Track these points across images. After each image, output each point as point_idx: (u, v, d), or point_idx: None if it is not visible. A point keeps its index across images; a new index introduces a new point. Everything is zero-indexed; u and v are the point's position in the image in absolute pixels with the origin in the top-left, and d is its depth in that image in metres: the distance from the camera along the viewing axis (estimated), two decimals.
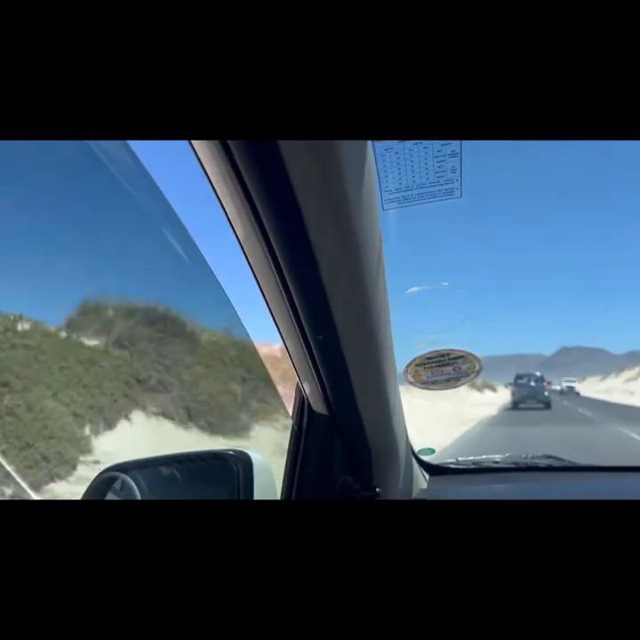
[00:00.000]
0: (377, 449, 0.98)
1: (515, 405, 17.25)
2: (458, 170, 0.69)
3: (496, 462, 1.38)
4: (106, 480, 1.04)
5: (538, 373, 18.99)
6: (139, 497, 1.02)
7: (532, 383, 17.94)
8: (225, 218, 0.64)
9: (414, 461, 1.25)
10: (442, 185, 0.69)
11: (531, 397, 17.32)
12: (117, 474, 1.04)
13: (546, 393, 17.57)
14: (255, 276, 0.71)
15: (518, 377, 18.63)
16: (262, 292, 0.73)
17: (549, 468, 1.37)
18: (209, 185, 0.60)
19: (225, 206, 0.61)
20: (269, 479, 1.07)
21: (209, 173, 0.57)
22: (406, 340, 1.09)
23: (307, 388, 0.92)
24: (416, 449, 1.31)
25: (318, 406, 0.93)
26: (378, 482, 1.00)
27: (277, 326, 0.78)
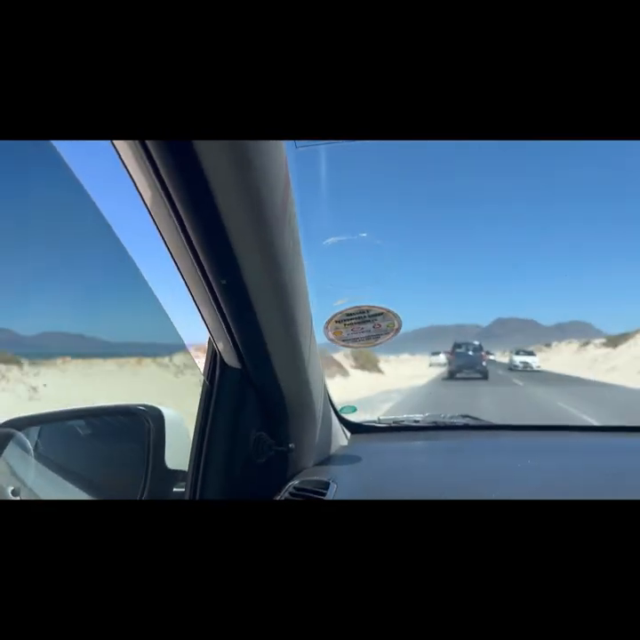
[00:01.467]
0: (292, 405, 0.95)
1: (451, 375, 16.79)
2: None
3: (416, 421, 1.41)
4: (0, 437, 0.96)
5: (476, 342, 18.44)
6: (32, 455, 0.96)
7: (470, 352, 17.43)
8: (127, 175, 0.58)
9: (335, 419, 1.25)
10: None
11: (468, 367, 16.85)
12: (11, 430, 0.96)
13: (484, 363, 16.99)
14: (157, 226, 0.65)
15: (456, 346, 17.90)
16: (163, 240, 0.67)
17: (466, 427, 1.41)
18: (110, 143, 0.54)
19: (126, 163, 0.56)
20: (183, 435, 1.03)
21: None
22: (327, 294, 1.06)
23: (218, 343, 0.87)
24: (338, 407, 1.30)
25: (231, 361, 0.89)
26: (293, 438, 0.98)
27: (181, 274, 0.73)
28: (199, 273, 0.68)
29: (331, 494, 0.89)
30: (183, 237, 0.63)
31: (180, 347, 0.86)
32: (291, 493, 0.91)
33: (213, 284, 0.69)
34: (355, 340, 1.04)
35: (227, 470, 0.91)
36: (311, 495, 0.89)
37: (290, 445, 0.95)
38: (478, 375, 16.35)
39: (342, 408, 1.32)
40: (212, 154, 0.52)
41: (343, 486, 0.93)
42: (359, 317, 1.01)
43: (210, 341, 0.90)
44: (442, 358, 23.34)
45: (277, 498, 0.91)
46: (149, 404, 1.02)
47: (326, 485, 0.93)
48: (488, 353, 20.00)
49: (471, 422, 1.42)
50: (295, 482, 0.95)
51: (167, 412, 1.02)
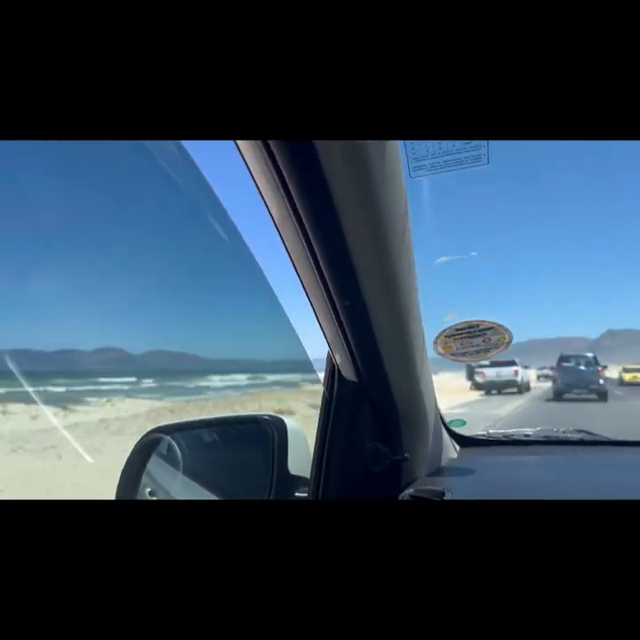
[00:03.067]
0: (405, 416, 1.00)
1: (558, 395, 13.84)
2: None
3: (527, 435, 1.39)
4: (151, 441, 1.11)
5: (590, 354, 15.14)
6: (180, 457, 1.09)
7: (582, 367, 14.39)
8: (261, 200, 0.67)
9: (445, 432, 1.27)
10: (468, 151, 0.70)
11: (580, 386, 13.87)
12: (161, 435, 1.11)
13: (601, 380, 13.84)
14: (288, 251, 0.74)
15: (563, 358, 14.74)
16: (293, 264, 0.76)
17: (581, 442, 1.36)
18: (245, 167, 0.63)
19: (261, 189, 0.64)
20: (303, 443, 1.12)
21: (245, 157, 0.60)
22: (436, 310, 1.10)
23: (337, 356, 0.95)
24: (447, 420, 1.33)
25: (348, 374, 0.96)
26: (407, 448, 1.03)
27: (307, 295, 0.82)
28: (324, 293, 0.77)
29: None
30: (312, 261, 0.71)
31: (305, 362, 0.95)
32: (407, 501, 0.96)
33: (337, 304, 0.77)
34: (464, 354, 1.07)
35: (346, 476, 0.98)
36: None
37: (405, 455, 1.00)
38: (593, 396, 13.38)
39: (451, 421, 1.34)
40: (341, 184, 0.58)
41: (458, 496, 0.96)
42: (468, 332, 1.04)
43: (329, 355, 0.99)
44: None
45: None
46: (273, 414, 1.12)
47: (442, 494, 0.96)
48: (605, 367, 15.67)
49: (586, 437, 1.37)
50: (410, 490, 1.00)
51: (288, 422, 1.12)
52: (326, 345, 0.94)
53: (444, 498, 0.95)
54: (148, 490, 1.21)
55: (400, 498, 0.98)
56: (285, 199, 0.62)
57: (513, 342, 1.04)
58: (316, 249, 0.69)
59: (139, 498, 1.08)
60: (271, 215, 0.69)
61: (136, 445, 1.12)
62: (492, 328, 1.03)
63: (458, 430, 1.36)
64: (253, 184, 0.66)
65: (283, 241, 0.73)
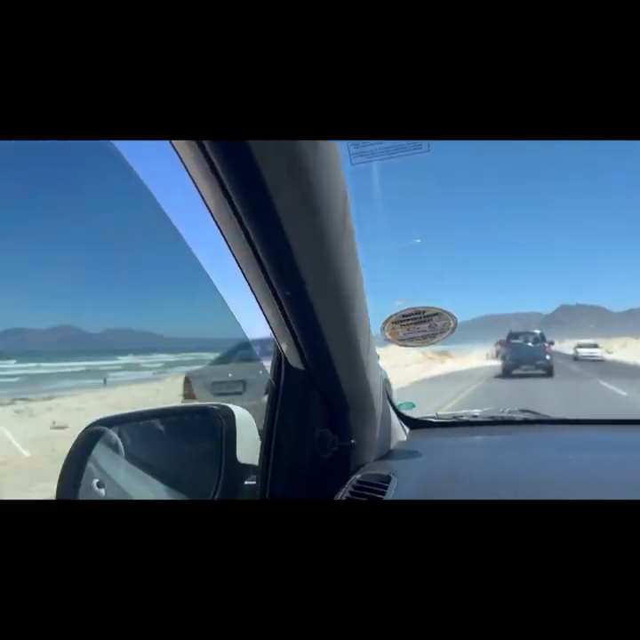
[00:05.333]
0: (353, 403, 1.01)
1: (506, 372, 14.23)
2: None
3: (474, 416, 1.43)
4: (92, 434, 1.07)
5: (537, 331, 15.62)
6: (122, 450, 1.06)
7: (530, 343, 14.72)
8: (198, 194, 0.65)
9: (394, 415, 1.29)
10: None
11: (528, 361, 14.19)
12: (103, 428, 1.07)
13: (548, 356, 14.19)
14: (229, 246, 0.72)
15: (512, 335, 15.07)
16: (235, 257, 0.74)
17: (525, 422, 1.41)
18: (178, 159, 0.61)
19: (195, 181, 0.62)
20: (252, 432, 1.11)
21: (178, 150, 0.58)
22: (384, 296, 1.11)
23: (283, 345, 0.94)
24: (396, 403, 1.35)
25: (295, 362, 0.95)
26: (355, 434, 1.03)
27: (250, 286, 0.80)
28: (265, 282, 0.75)
29: (392, 487, 0.94)
30: (250, 249, 0.69)
31: (245, 345, 0.93)
32: (354, 486, 0.96)
33: (278, 293, 0.76)
34: (411, 339, 1.08)
35: (294, 465, 0.98)
36: (373, 488, 0.94)
37: (352, 441, 1.00)
38: (541, 371, 13.82)
39: (400, 404, 1.36)
40: (274, 173, 0.56)
41: (404, 479, 0.98)
42: (415, 318, 1.05)
43: (275, 344, 0.97)
44: None
45: (341, 491, 0.96)
46: (222, 403, 1.10)
47: (388, 479, 0.97)
48: (552, 343, 15.99)
49: (531, 417, 1.42)
50: (357, 476, 1.01)
51: (237, 411, 1.10)
52: (272, 334, 0.92)
53: (390, 481, 0.96)
54: (96, 481, 1.18)
55: (348, 483, 0.99)
56: (220, 189, 0.60)
57: (472, 318, 1.05)
58: (253, 239, 0.66)
59: (81, 492, 1.05)
60: (208, 208, 0.66)
61: (77, 439, 1.08)
62: (437, 314, 1.04)
63: (407, 413, 1.38)
64: (188, 176, 0.64)
65: (221, 232, 0.71)
